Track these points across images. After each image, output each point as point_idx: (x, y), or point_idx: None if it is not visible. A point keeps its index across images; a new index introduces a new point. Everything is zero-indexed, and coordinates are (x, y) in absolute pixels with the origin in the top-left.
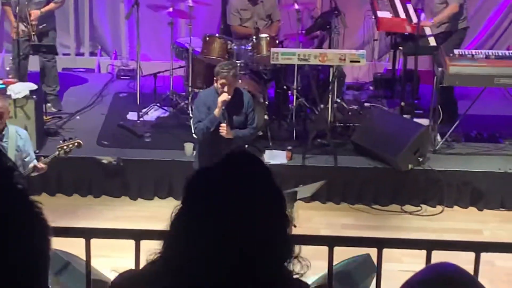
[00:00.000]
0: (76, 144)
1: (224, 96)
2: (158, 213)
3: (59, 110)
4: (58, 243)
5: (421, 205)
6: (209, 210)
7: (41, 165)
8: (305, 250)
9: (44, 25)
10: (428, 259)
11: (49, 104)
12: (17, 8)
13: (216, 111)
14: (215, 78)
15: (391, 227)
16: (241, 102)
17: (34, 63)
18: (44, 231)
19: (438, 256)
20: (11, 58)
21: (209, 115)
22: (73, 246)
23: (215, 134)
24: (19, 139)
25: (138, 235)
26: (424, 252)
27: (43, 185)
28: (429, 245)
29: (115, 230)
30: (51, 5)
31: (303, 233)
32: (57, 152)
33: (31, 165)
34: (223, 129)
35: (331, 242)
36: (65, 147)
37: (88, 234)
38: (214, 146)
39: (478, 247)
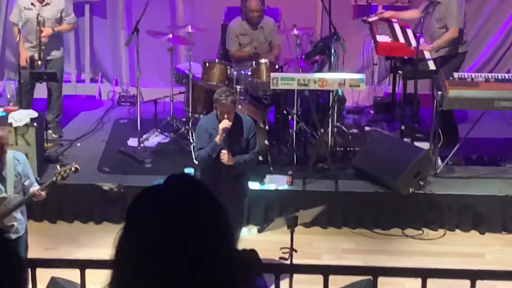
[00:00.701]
0: (73, 169)
1: (225, 123)
2: None
3: (59, 136)
4: (60, 271)
5: (422, 228)
6: (148, 233)
7: (40, 192)
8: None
9: (53, 50)
10: (424, 287)
11: (50, 131)
12: (19, 35)
13: (217, 138)
14: (214, 106)
15: (393, 251)
16: (242, 128)
17: (41, 90)
18: (18, 267)
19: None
20: (12, 85)
21: (210, 142)
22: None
23: (216, 160)
24: (18, 164)
25: None
26: None
27: (44, 212)
28: (424, 274)
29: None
30: (64, 26)
31: (303, 258)
32: (54, 178)
33: (31, 189)
34: (224, 155)
35: (326, 271)
36: (62, 173)
37: (83, 265)
38: (215, 172)
39: (473, 275)
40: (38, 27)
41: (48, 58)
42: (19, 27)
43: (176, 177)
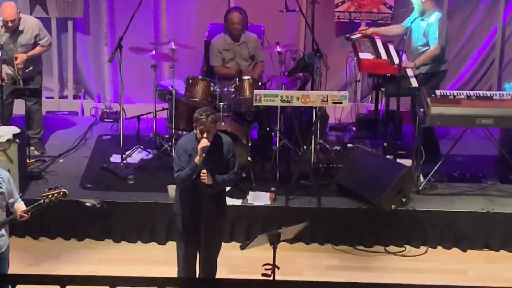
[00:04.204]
0: (61, 193)
1: (204, 143)
2: (141, 256)
3: (42, 153)
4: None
5: (404, 245)
6: None
7: (24, 214)
8: None
9: (31, 68)
10: None
11: (32, 148)
12: (2, 52)
13: (197, 159)
14: (194, 125)
15: (375, 268)
16: (221, 147)
17: (19, 107)
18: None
19: None
20: None
21: (190, 163)
22: None
23: (195, 180)
24: (2, 182)
25: (114, 281)
26: None
27: (26, 228)
28: None
29: (90, 277)
30: (38, 49)
31: (286, 275)
32: (41, 200)
33: (16, 205)
34: (204, 176)
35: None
36: (50, 196)
37: (63, 281)
38: (194, 192)
39: None
40: (14, 52)
41: (27, 76)
42: None
43: None
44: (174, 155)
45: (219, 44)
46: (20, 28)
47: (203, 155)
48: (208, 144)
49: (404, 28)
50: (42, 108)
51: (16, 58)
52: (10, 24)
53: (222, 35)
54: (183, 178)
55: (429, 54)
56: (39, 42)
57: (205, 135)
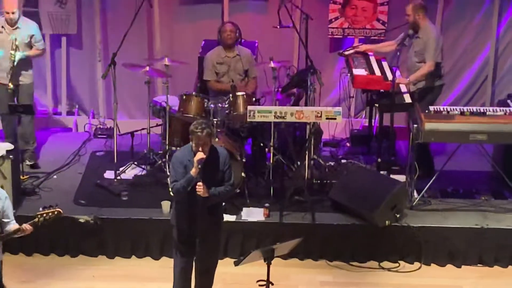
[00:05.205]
0: (56, 212)
1: (200, 155)
2: (136, 272)
3: (35, 163)
4: None
5: (399, 261)
6: None
7: (26, 227)
8: None
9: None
10: None
11: (26, 161)
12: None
13: (193, 171)
14: (190, 137)
15: (369, 284)
16: (217, 160)
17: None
18: None
19: None
20: None
21: (185, 175)
22: None
23: (191, 192)
24: None
25: None
26: None
27: (20, 245)
28: None
29: None
30: (33, 51)
31: None
32: (36, 219)
33: (8, 226)
34: (200, 188)
35: None
36: (45, 215)
37: None
38: (190, 204)
39: None
40: (13, 51)
41: (18, 83)
42: None
43: None
44: (170, 166)
45: (213, 57)
46: (18, 25)
47: (199, 167)
48: (204, 156)
49: (397, 45)
50: (34, 122)
51: (13, 56)
52: (11, 15)
53: (216, 48)
54: (178, 189)
55: (423, 71)
56: (35, 44)
57: (200, 148)
